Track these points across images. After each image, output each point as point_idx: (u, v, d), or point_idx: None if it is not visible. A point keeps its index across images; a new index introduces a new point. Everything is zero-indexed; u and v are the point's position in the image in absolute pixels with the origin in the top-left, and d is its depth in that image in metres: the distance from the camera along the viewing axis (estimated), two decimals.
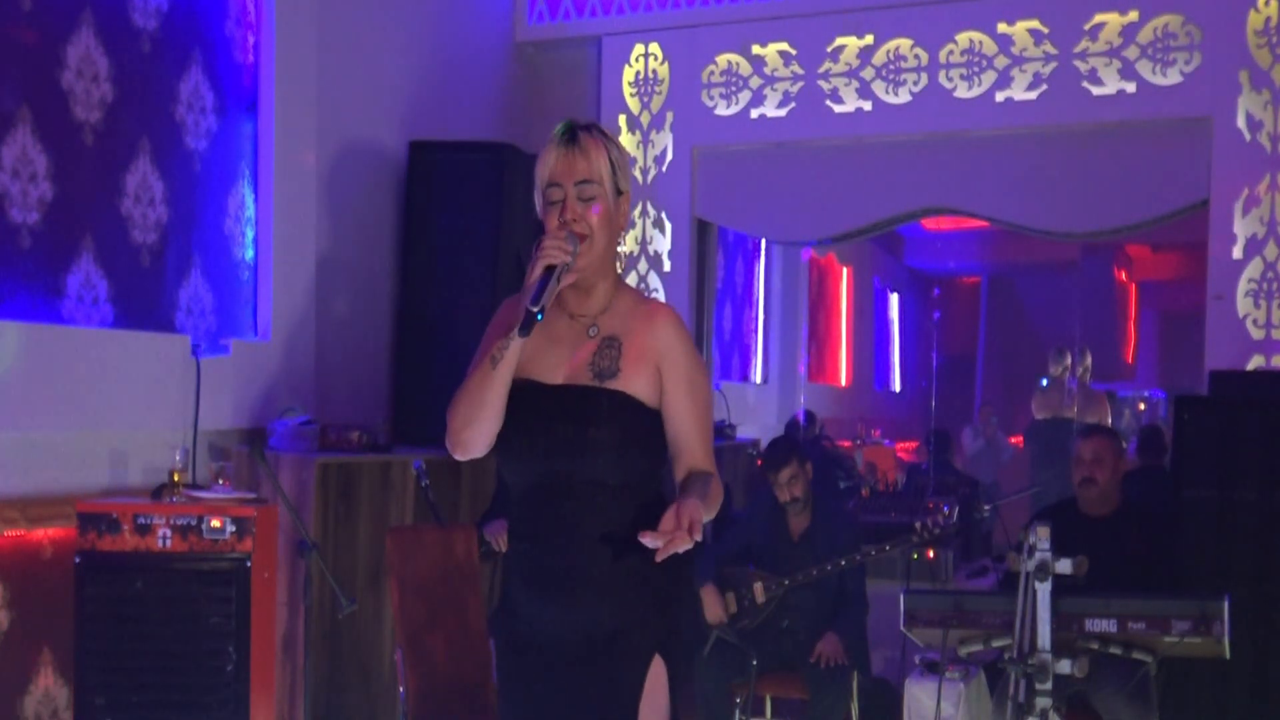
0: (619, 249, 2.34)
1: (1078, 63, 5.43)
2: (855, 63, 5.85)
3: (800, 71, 5.95)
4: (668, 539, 2.04)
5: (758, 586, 4.49)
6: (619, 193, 2.29)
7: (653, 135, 6.25)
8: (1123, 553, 3.99)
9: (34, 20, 3.77)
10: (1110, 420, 9.00)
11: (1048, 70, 5.48)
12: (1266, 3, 5.11)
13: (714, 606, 4.48)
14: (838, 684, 4.35)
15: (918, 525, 4.46)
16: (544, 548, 2.27)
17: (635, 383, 2.25)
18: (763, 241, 9.46)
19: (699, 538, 2.07)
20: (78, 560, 3.57)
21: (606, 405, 2.23)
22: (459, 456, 2.29)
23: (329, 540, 4.35)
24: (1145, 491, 5.75)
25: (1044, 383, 9.25)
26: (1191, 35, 5.25)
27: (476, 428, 2.24)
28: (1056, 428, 8.88)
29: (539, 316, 2.12)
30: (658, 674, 2.27)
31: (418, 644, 3.93)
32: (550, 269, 2.15)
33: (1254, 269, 5.12)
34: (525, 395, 2.25)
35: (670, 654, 2.30)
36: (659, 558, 2.07)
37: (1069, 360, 9.15)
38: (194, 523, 3.59)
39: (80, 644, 3.56)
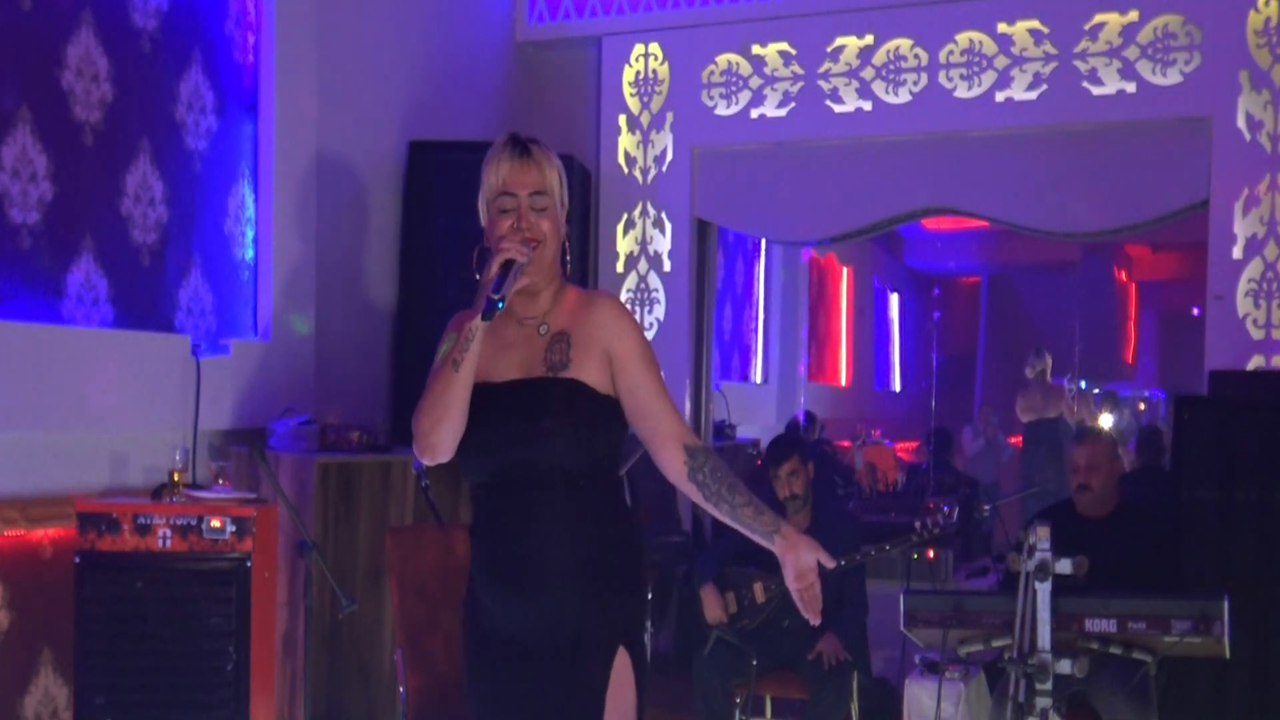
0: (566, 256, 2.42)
1: (1078, 63, 5.43)
2: (855, 63, 5.85)
3: (800, 71, 5.95)
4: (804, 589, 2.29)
5: (758, 586, 4.49)
6: (562, 204, 2.39)
7: (653, 135, 6.26)
8: (1121, 553, 3.99)
9: (34, 20, 3.77)
10: (1073, 412, 9.12)
11: (1048, 70, 5.48)
12: (1266, 3, 5.11)
13: (714, 606, 4.48)
14: (838, 684, 4.35)
15: (917, 525, 4.46)
16: (505, 537, 2.30)
17: (587, 371, 2.30)
18: (763, 241, 9.46)
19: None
20: (78, 560, 3.56)
21: (560, 394, 2.28)
22: (427, 461, 2.34)
23: (329, 540, 4.35)
24: (1144, 492, 5.75)
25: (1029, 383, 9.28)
26: (1191, 35, 5.25)
27: (443, 430, 2.28)
28: (1045, 428, 8.92)
29: (500, 305, 2.18)
30: (623, 666, 2.31)
31: (418, 644, 3.93)
32: (508, 264, 2.23)
33: (1254, 269, 5.13)
34: (482, 396, 2.30)
35: (634, 645, 2.34)
36: (816, 610, 2.29)
37: (1048, 360, 9.20)
38: (194, 523, 3.59)
39: (80, 644, 3.56)
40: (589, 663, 2.29)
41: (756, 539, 2.32)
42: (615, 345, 2.32)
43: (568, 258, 2.41)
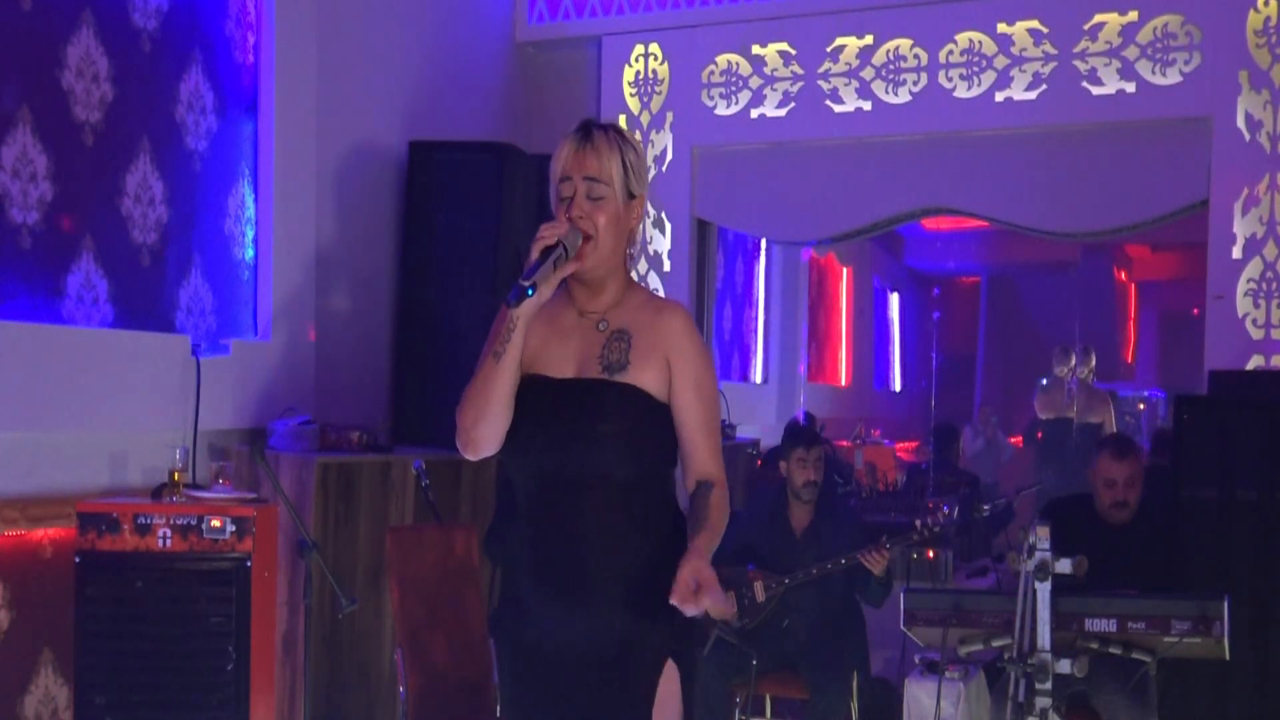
0: (633, 250, 2.33)
1: (1078, 63, 5.43)
2: (855, 63, 5.85)
3: (800, 71, 5.95)
4: (683, 599, 2.06)
5: (758, 585, 4.49)
6: (631, 196, 2.28)
7: (653, 135, 6.26)
8: (1138, 558, 4.01)
9: (34, 20, 3.77)
10: (1113, 421, 9.03)
11: (1048, 70, 5.48)
12: (1266, 3, 5.11)
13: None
14: (838, 684, 4.35)
15: (917, 524, 4.46)
16: (554, 544, 2.24)
17: (644, 376, 2.24)
18: (763, 241, 9.45)
19: (712, 600, 2.06)
20: (78, 560, 3.56)
21: (615, 398, 2.21)
22: (470, 456, 2.27)
23: (329, 540, 4.35)
24: (1155, 491, 5.76)
25: (1044, 382, 9.25)
26: (1191, 35, 5.25)
27: (486, 424, 2.21)
28: (1059, 427, 8.90)
29: (530, 292, 2.10)
30: (670, 678, 2.25)
31: (418, 644, 3.93)
32: (547, 251, 2.14)
33: (1254, 269, 5.12)
34: (533, 389, 2.23)
35: (683, 657, 2.28)
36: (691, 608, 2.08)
37: (1073, 360, 9.15)
38: (194, 523, 3.59)
39: (80, 644, 3.56)
40: (637, 674, 2.22)
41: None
42: (676, 361, 2.25)
43: (631, 251, 2.31)
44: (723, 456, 2.32)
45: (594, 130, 2.26)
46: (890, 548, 4.36)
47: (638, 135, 6.28)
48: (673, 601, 2.07)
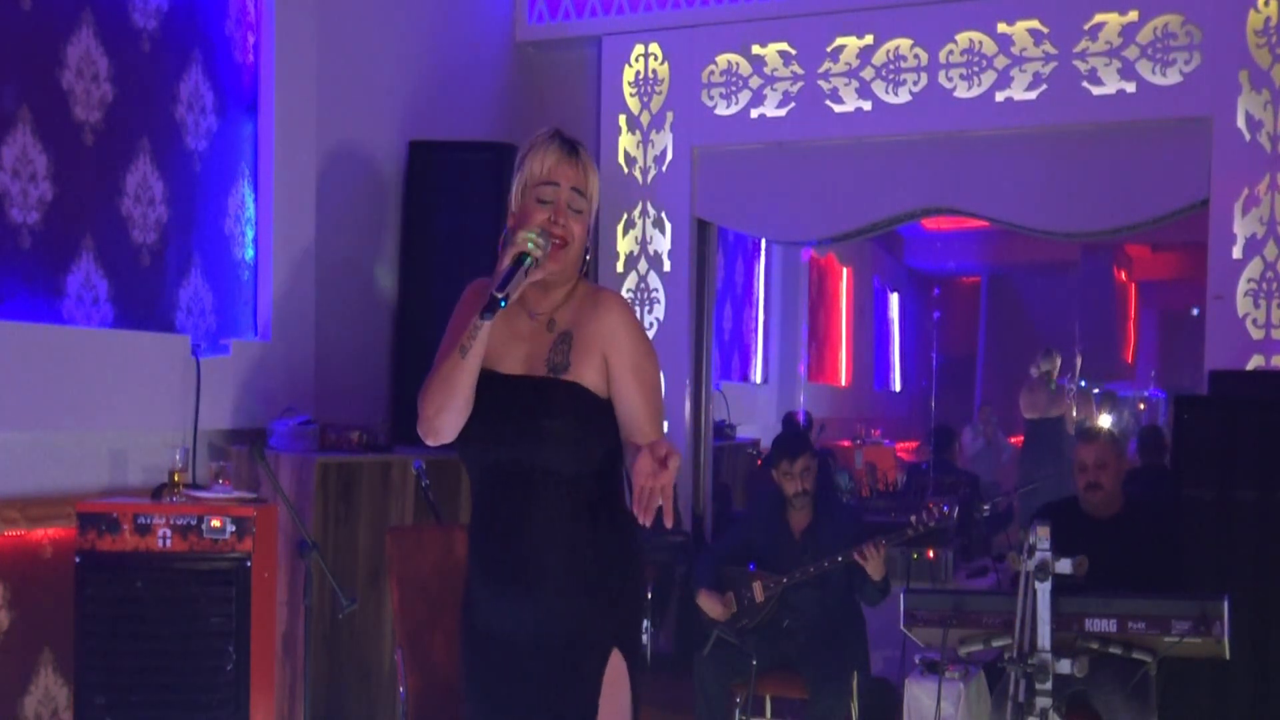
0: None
1: (1078, 63, 5.43)
2: (855, 63, 5.85)
3: (800, 71, 5.95)
4: (652, 485, 2.02)
5: (757, 585, 4.49)
6: (592, 213, 2.39)
7: (653, 135, 6.26)
8: (1128, 553, 3.99)
9: (34, 20, 3.77)
10: (1071, 412, 9.13)
11: (1048, 70, 5.48)
12: (1266, 3, 5.11)
13: (714, 605, 4.48)
14: (838, 684, 4.35)
15: (912, 519, 4.45)
16: (500, 535, 2.31)
17: (586, 374, 2.30)
18: (763, 241, 9.46)
19: (675, 469, 2.03)
20: (78, 560, 3.56)
21: (560, 396, 2.28)
22: (430, 442, 2.35)
23: (329, 540, 4.35)
24: (1147, 490, 5.75)
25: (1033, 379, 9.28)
26: (1191, 35, 5.25)
27: (448, 414, 2.30)
28: (1047, 427, 8.93)
29: (503, 304, 2.16)
30: (617, 668, 2.31)
31: (418, 644, 3.93)
32: (520, 259, 2.21)
33: (1254, 269, 5.13)
34: (486, 385, 2.30)
35: (629, 646, 2.34)
36: (651, 511, 2.04)
37: (1058, 360, 9.19)
38: (194, 523, 3.59)
39: (80, 644, 3.56)
40: (583, 663, 2.29)
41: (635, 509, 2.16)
42: (612, 351, 2.31)
43: (588, 257, 2.41)
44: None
45: (576, 144, 2.35)
46: (885, 545, 4.35)
47: (637, 135, 6.29)
48: (640, 484, 2.04)
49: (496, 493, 2.32)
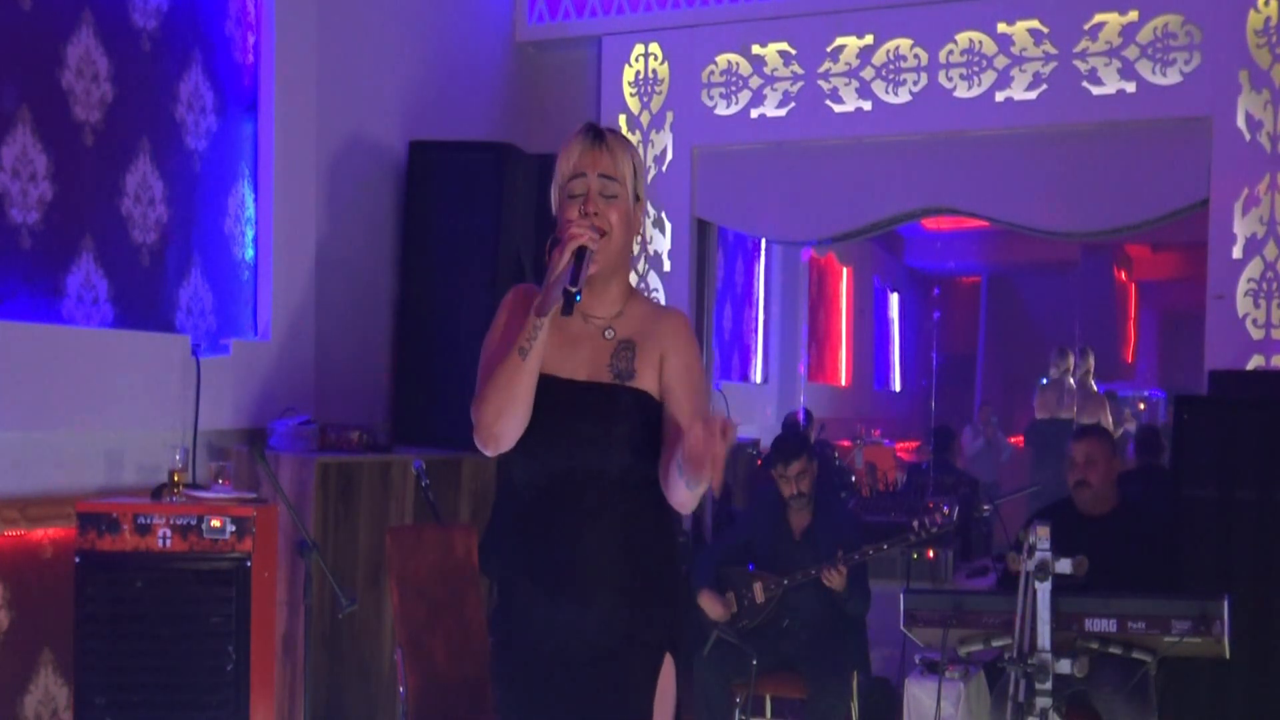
0: (633, 252, 2.36)
1: (1078, 63, 5.43)
2: (855, 63, 5.85)
3: (800, 71, 5.95)
4: (710, 450, 1.99)
5: (757, 586, 4.49)
6: (636, 198, 2.31)
7: (653, 135, 6.25)
8: (1121, 552, 3.99)
9: (34, 20, 3.77)
10: (1110, 422, 9.02)
11: (1048, 70, 5.48)
12: (1266, 3, 5.11)
13: (715, 605, 4.48)
14: (837, 684, 4.35)
15: (915, 524, 4.46)
16: (556, 542, 2.25)
17: (647, 380, 2.28)
18: (763, 241, 9.46)
19: (732, 440, 2.01)
20: (78, 560, 3.56)
21: (630, 403, 2.25)
22: (490, 452, 2.27)
23: (329, 540, 4.35)
24: (1144, 490, 5.75)
25: (1044, 382, 9.26)
26: (1191, 35, 5.24)
27: (509, 420, 2.21)
28: (1055, 428, 8.90)
29: (578, 297, 2.11)
30: (668, 671, 2.29)
31: (418, 644, 3.93)
32: (582, 250, 2.15)
33: (1254, 269, 5.12)
34: (548, 391, 2.24)
35: (678, 649, 2.33)
36: (705, 473, 2.01)
37: (1070, 361, 9.15)
38: (194, 523, 3.59)
39: (80, 644, 3.56)
40: (639, 670, 2.26)
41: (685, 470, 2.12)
42: (668, 355, 2.28)
43: (636, 248, 2.36)
44: None
45: (604, 131, 2.29)
46: (848, 563, 4.35)
47: (638, 135, 6.28)
48: (696, 448, 2.00)
49: (553, 497, 2.26)
